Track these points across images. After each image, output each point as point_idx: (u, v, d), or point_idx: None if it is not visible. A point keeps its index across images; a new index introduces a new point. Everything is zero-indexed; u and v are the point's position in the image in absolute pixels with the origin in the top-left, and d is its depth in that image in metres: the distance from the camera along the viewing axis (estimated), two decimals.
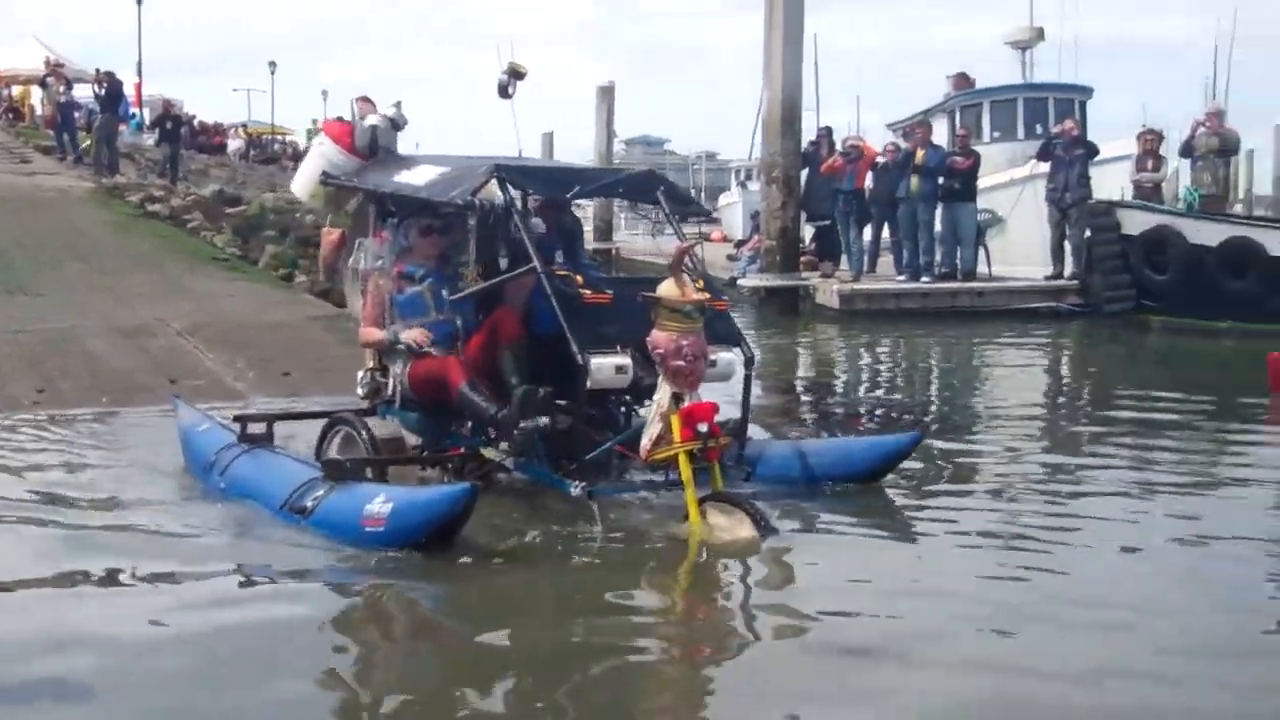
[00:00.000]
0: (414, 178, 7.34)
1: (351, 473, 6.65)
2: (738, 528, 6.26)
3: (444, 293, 7.23)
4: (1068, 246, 17.93)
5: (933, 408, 11.18)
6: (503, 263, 7.25)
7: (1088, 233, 17.16)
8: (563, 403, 6.72)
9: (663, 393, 6.42)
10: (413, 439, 7.43)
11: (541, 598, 5.67)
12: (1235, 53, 29.88)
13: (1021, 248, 19.27)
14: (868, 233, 19.36)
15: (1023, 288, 18.08)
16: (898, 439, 7.68)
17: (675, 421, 6.36)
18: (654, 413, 6.46)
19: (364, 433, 7.26)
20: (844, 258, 19.20)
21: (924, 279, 18.18)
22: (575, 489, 6.49)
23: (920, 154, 18.06)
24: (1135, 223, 16.33)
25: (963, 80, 24.01)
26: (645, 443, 6.43)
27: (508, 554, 6.13)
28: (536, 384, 6.69)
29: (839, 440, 8.73)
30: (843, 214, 18.94)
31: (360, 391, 7.57)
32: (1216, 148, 17.56)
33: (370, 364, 7.54)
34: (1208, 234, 15.83)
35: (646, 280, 7.10)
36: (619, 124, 32.06)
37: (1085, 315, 17.02)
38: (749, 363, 7.03)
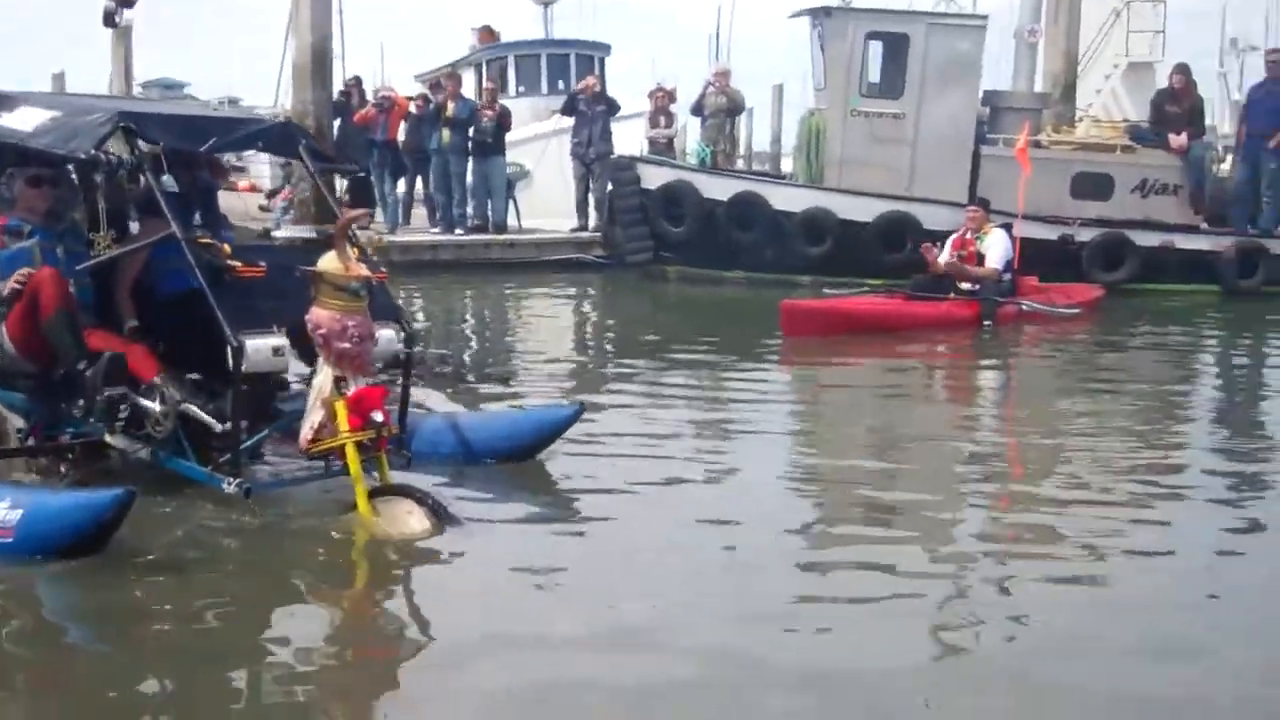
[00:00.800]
0: (17, 122, 6.50)
1: None
2: (411, 520, 5.81)
3: (57, 252, 6.40)
4: (591, 200, 18.77)
5: (472, 357, 11.55)
6: (133, 226, 6.57)
7: (610, 187, 17.98)
8: (197, 378, 6.19)
9: (324, 377, 5.88)
10: (17, 422, 6.51)
11: (193, 605, 5.08)
12: (735, 16, 31.82)
13: (548, 201, 19.97)
14: (402, 184, 19.52)
15: (551, 240, 18.78)
16: (562, 411, 7.33)
17: (342, 409, 5.84)
18: (314, 399, 5.92)
19: None
20: (379, 209, 19.28)
21: (458, 231, 18.55)
22: (229, 485, 5.88)
23: (450, 107, 18.35)
24: (653, 177, 17.20)
25: (488, 34, 24.50)
26: (306, 432, 5.93)
27: (153, 559, 5.47)
28: (166, 356, 6.11)
29: (500, 414, 8.31)
30: (376, 166, 18.98)
31: None
32: (725, 107, 18.82)
33: None
34: (719, 189, 16.95)
35: (300, 252, 6.63)
36: (136, 67, 30.46)
37: (609, 267, 17.87)
38: (410, 340, 6.56)
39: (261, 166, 25.46)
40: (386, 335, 6.25)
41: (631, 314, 15.44)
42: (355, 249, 6.22)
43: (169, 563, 5.48)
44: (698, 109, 18.96)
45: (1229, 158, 19.11)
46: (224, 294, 5.96)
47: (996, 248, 12.94)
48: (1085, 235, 16.07)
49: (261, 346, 5.89)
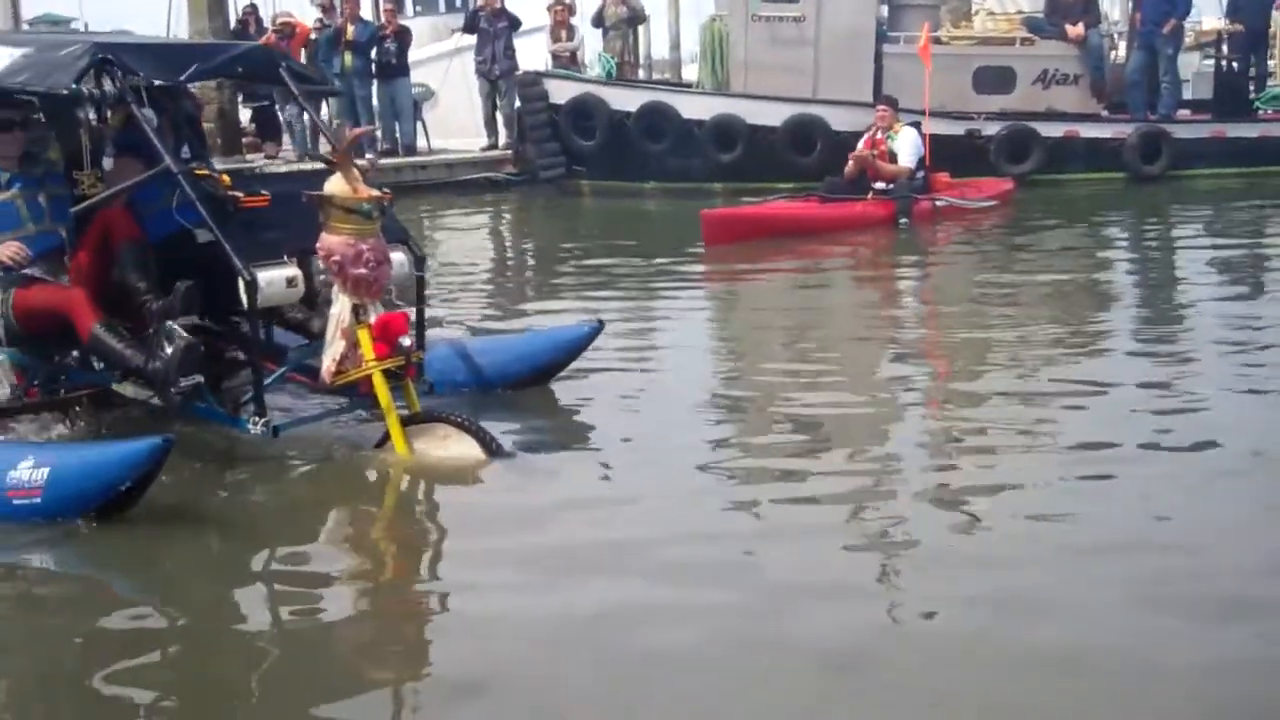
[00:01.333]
0: None
1: None
2: (450, 445, 5.67)
3: (40, 199, 6.09)
4: (499, 117, 18.66)
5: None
6: (107, 163, 6.24)
7: (518, 103, 17.88)
8: (204, 322, 5.90)
9: (341, 305, 5.64)
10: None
11: (242, 562, 4.91)
12: None
13: (456, 120, 19.82)
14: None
15: (462, 160, 18.67)
16: (580, 330, 7.10)
17: (365, 336, 5.62)
18: (333, 329, 5.67)
19: None
20: (285, 137, 19.02)
21: (367, 155, 18.36)
22: (255, 427, 5.65)
23: (350, 30, 18.11)
24: (561, 92, 17.14)
25: None
26: (329, 364, 5.68)
27: (183, 509, 5.25)
28: (166, 292, 5.77)
29: (512, 337, 8.00)
30: (281, 93, 18.68)
31: None
32: (625, 17, 18.74)
33: None
34: (627, 100, 16.95)
35: (301, 176, 6.37)
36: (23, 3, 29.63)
37: (521, 183, 17.83)
38: (420, 262, 6.25)
39: None
40: (398, 258, 5.99)
41: (549, 230, 15.47)
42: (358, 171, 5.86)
43: (201, 512, 5.32)
44: (598, 21, 18.85)
45: (1121, 45, 19.40)
46: (232, 229, 5.67)
47: (908, 145, 13.09)
48: (990, 129, 16.30)
49: (275, 278, 5.65)
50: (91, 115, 6.14)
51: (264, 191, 5.97)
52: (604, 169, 16.86)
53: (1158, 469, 5.55)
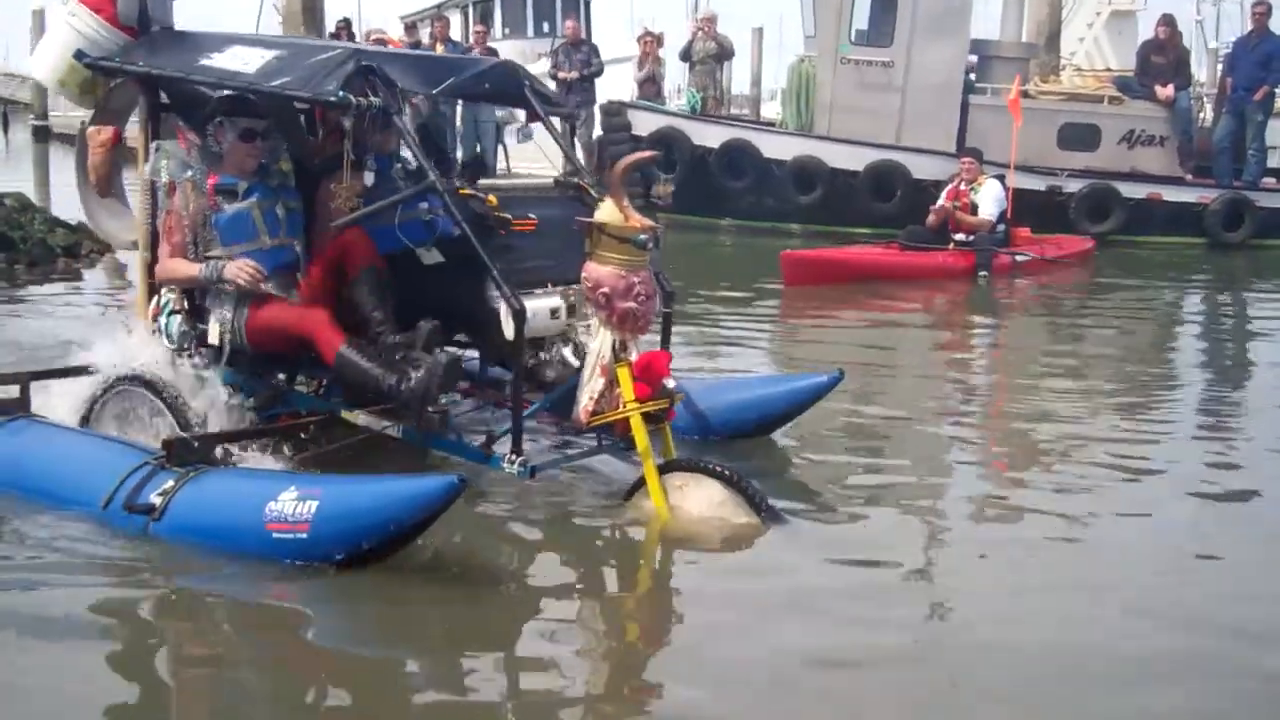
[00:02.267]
0: (232, 63, 5.69)
1: (200, 453, 5.10)
2: (715, 503, 5.22)
3: (277, 211, 5.75)
4: (578, 145, 18.74)
5: None
6: (368, 177, 5.81)
7: (599, 132, 17.95)
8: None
9: (602, 341, 5.29)
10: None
11: (479, 600, 4.61)
12: None
13: (537, 146, 19.87)
14: None
15: (539, 185, 18.74)
16: (820, 379, 6.54)
17: (626, 375, 5.25)
18: (592, 365, 5.33)
19: (171, 396, 5.54)
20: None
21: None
22: (511, 466, 5.22)
23: (439, 49, 18.28)
24: (644, 123, 17.22)
25: None
26: (585, 403, 5.33)
27: (429, 551, 4.86)
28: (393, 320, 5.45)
29: (743, 381, 7.45)
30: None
31: (167, 342, 5.75)
32: (713, 52, 18.82)
33: (173, 304, 5.78)
34: (709, 136, 17.01)
35: (555, 203, 5.92)
36: None
37: None
38: (669, 298, 5.80)
39: None
40: None
41: None
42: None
43: (447, 554, 4.96)
44: (686, 54, 18.95)
45: (1209, 108, 19.28)
46: (495, 253, 5.27)
47: (990, 198, 13.06)
48: (1073, 186, 16.23)
49: (540, 308, 5.34)
50: (345, 124, 5.52)
51: (531, 215, 5.57)
52: (682, 203, 16.91)
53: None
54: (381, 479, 4.86)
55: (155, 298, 5.89)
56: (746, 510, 5.22)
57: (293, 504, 4.62)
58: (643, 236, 5.19)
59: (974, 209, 13.04)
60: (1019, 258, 13.16)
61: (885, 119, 16.54)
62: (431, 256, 5.60)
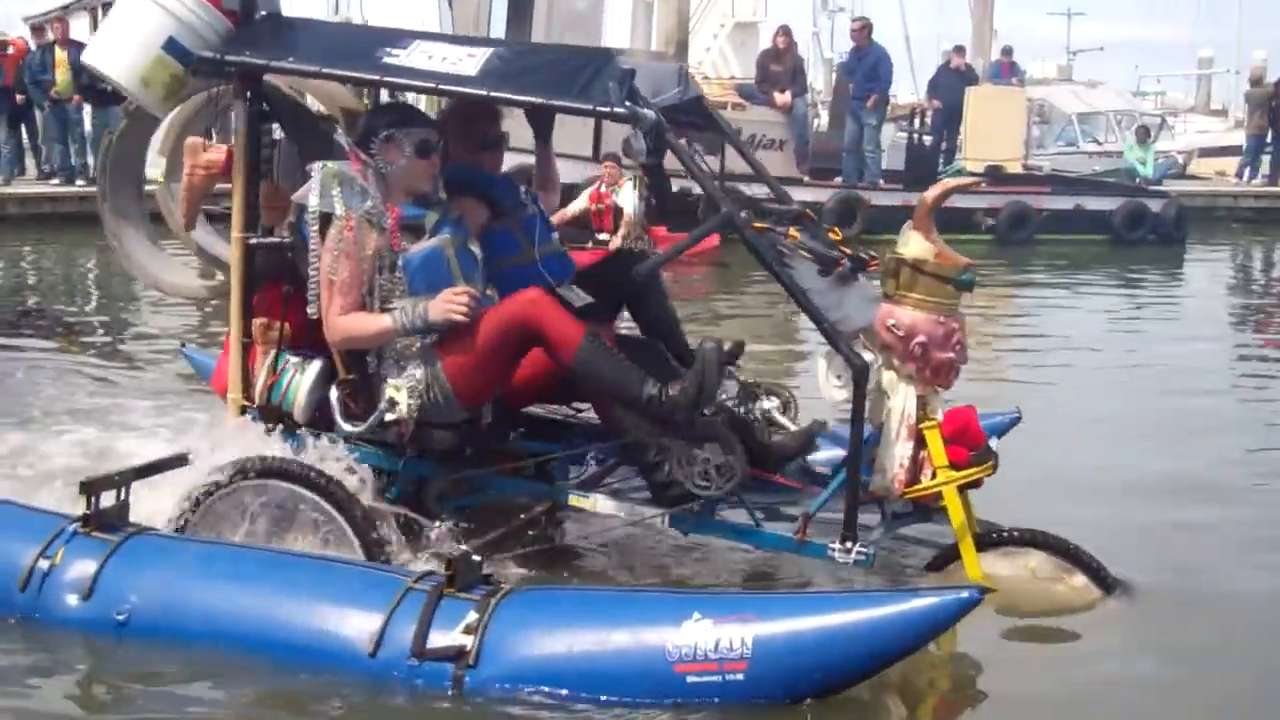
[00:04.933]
0: (431, 63, 4.55)
1: (475, 571, 3.95)
2: (1047, 578, 4.57)
3: (471, 249, 4.68)
4: None
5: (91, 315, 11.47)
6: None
7: None
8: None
9: (906, 397, 4.51)
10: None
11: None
12: None
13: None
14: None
15: None
16: (1000, 419, 5.69)
17: (937, 439, 4.52)
18: (897, 426, 4.50)
19: (344, 497, 4.36)
20: None
21: (78, 182, 17.92)
22: (848, 555, 4.36)
23: (62, 52, 17.71)
24: None
25: None
26: (898, 473, 4.50)
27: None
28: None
29: None
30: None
31: (351, 426, 4.56)
32: None
33: (341, 373, 4.60)
34: None
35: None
36: None
37: None
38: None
39: None
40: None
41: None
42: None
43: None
44: None
45: (823, 113, 20.66)
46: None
47: (630, 199, 13.75)
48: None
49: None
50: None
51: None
52: None
53: None
54: (833, 593, 4.06)
55: (269, 359, 4.70)
56: (1087, 581, 4.59)
57: (709, 635, 3.54)
58: (966, 275, 4.50)
59: (617, 211, 13.70)
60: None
61: (524, 124, 16.89)
62: (577, 297, 4.83)
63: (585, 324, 4.43)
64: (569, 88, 4.46)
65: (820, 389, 4.56)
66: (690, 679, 3.53)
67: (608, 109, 4.36)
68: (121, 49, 4.77)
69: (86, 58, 4.99)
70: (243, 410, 4.76)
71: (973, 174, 17.90)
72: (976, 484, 4.60)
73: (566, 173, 15.59)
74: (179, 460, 4.68)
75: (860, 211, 17.68)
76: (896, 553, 4.95)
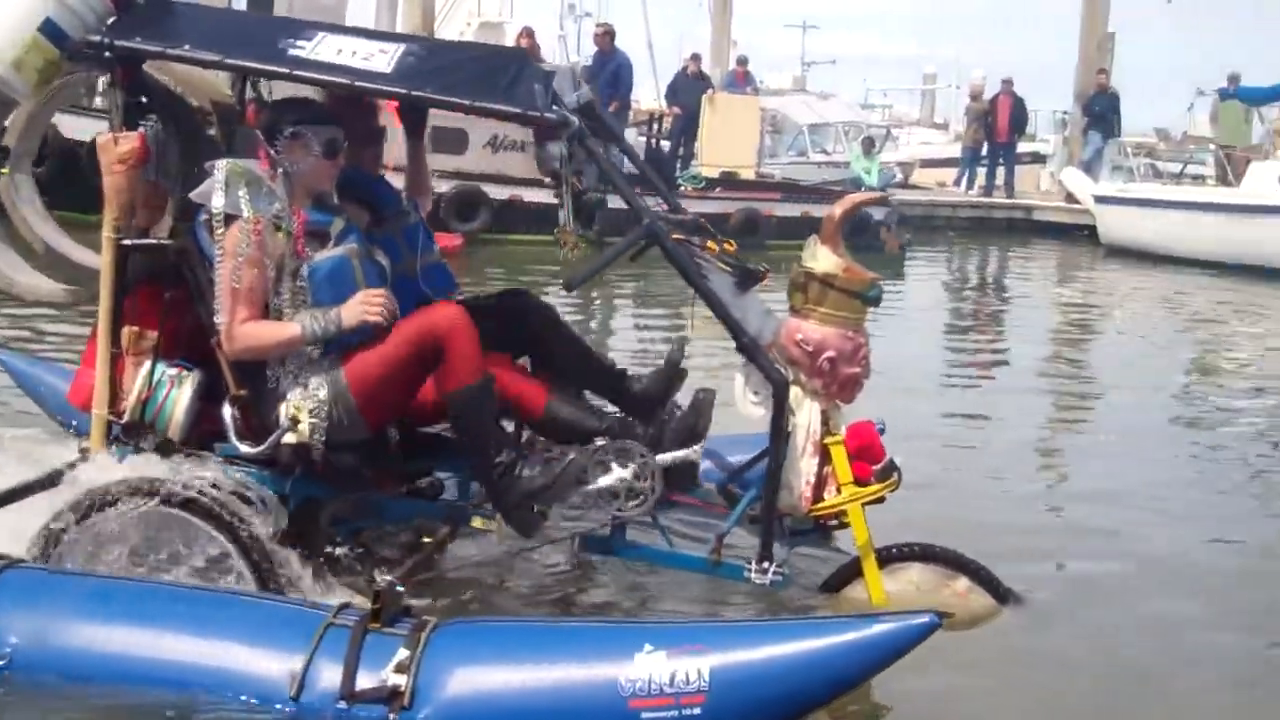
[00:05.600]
0: (344, 57, 4.29)
1: (398, 604, 3.72)
2: (941, 593, 4.57)
3: (378, 260, 4.42)
4: None
5: None
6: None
7: None
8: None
9: (810, 413, 4.49)
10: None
11: None
12: None
13: None
14: None
15: None
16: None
17: (842, 455, 4.50)
18: (803, 443, 4.47)
19: (244, 527, 4.04)
20: None
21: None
22: (764, 576, 4.37)
23: None
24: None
25: None
26: (803, 489, 4.47)
27: None
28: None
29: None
30: None
31: (247, 447, 4.25)
32: None
33: (233, 388, 4.28)
34: (84, 129, 16.37)
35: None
36: None
37: None
38: None
39: None
40: None
41: None
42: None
43: None
44: None
45: None
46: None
47: None
48: (443, 187, 17.20)
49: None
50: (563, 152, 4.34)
51: (764, 266, 4.81)
52: (56, 199, 16.17)
53: None
54: (789, 621, 3.92)
55: (144, 371, 4.32)
56: (983, 594, 4.65)
57: (663, 668, 3.37)
58: (874, 290, 4.50)
59: None
60: None
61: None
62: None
63: (488, 367, 4.27)
64: (492, 89, 4.27)
65: (737, 405, 4.50)
66: (645, 715, 3.36)
67: (537, 113, 4.22)
68: None
69: None
70: (109, 426, 4.36)
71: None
72: (879, 500, 4.57)
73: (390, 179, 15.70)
74: (49, 481, 4.36)
75: (598, 213, 18.02)
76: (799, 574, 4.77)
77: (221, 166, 4.22)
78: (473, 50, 4.61)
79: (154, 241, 4.39)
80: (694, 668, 3.36)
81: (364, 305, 4.17)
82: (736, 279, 4.60)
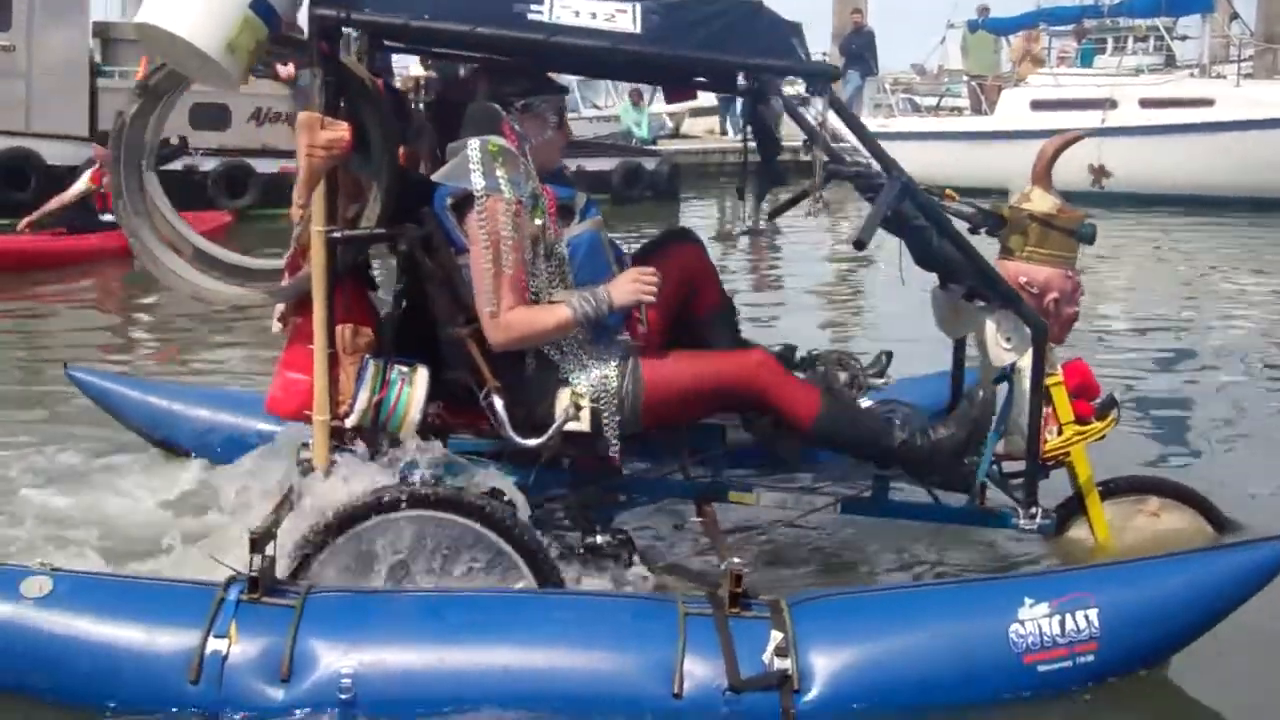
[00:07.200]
0: (580, 19, 3.86)
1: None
2: (1167, 523, 4.59)
3: (607, 238, 4.25)
4: None
5: None
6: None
7: None
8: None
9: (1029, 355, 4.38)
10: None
11: None
12: None
13: None
14: None
15: None
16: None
17: (1063, 395, 4.43)
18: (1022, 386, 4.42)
19: (524, 529, 3.81)
20: None
21: None
22: (1031, 521, 4.31)
23: None
24: None
25: None
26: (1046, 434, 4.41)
27: None
28: None
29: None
30: None
31: (523, 439, 3.97)
32: None
33: (490, 380, 3.98)
34: None
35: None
36: None
37: None
38: None
39: None
40: None
41: None
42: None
43: None
44: None
45: None
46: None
47: None
48: (209, 165, 16.81)
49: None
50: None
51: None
52: None
53: None
54: (1156, 560, 3.74)
55: (371, 371, 3.96)
56: (1204, 524, 4.65)
57: (1051, 619, 3.41)
58: (1087, 227, 4.46)
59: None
60: None
61: (11, 105, 16.11)
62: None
63: (816, 387, 4.20)
64: (750, 44, 4.00)
65: (988, 350, 4.44)
66: (1042, 668, 3.39)
67: (807, 67, 4.12)
68: (200, 12, 3.79)
69: (147, 17, 3.85)
70: (334, 433, 3.97)
71: None
72: (1101, 437, 4.56)
73: (64, 155, 15.14)
74: (287, 499, 3.96)
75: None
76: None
77: (475, 145, 3.97)
78: (709, 4, 4.08)
79: (377, 233, 4.11)
80: (1082, 616, 3.41)
81: (637, 284, 3.98)
82: (975, 223, 4.60)
